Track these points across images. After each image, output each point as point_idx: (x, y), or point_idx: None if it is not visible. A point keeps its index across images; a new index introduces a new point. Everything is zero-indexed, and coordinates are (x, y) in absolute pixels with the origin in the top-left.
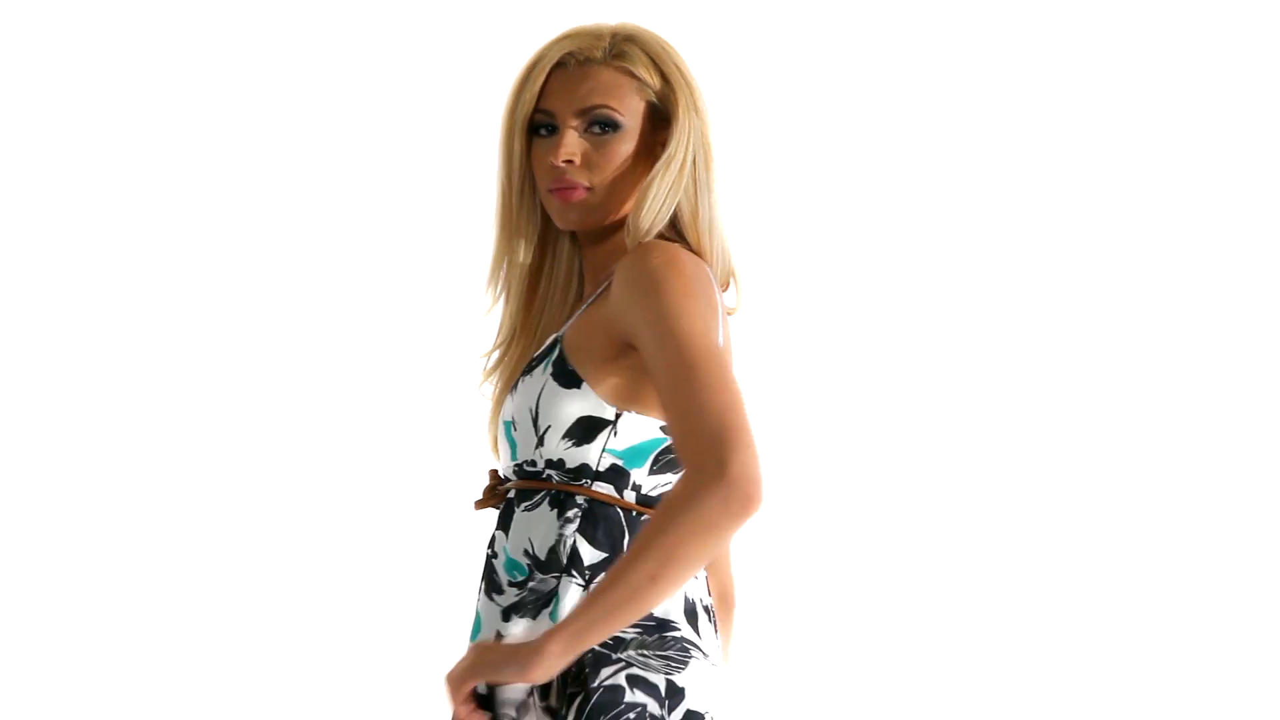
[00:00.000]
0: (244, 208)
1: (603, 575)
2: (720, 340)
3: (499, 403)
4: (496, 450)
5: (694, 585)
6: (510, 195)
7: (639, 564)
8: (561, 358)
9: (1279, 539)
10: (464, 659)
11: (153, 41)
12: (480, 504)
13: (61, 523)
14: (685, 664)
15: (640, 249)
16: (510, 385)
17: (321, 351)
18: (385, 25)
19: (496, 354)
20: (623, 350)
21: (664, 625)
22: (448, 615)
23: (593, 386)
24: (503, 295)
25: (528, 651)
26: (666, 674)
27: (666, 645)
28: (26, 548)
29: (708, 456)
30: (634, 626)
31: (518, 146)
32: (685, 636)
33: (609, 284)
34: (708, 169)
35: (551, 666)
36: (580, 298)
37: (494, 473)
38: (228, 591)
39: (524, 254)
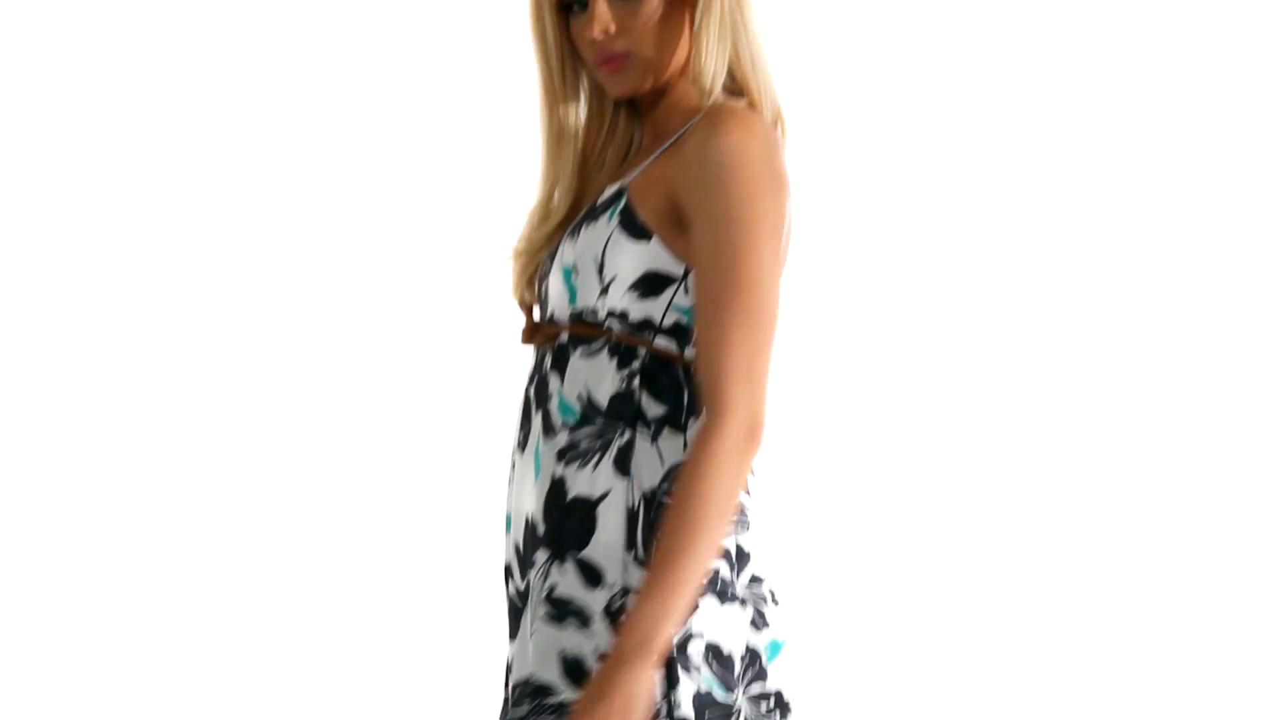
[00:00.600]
0: (245, 202)
1: (657, 546)
2: (784, 232)
3: (539, 246)
4: (528, 289)
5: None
6: (550, 70)
7: (686, 521)
8: (629, 209)
9: (1279, 539)
10: None
11: (153, 40)
12: (529, 339)
13: (94, 521)
14: (747, 526)
15: (717, 117)
16: (563, 231)
17: (323, 342)
18: (385, 19)
19: (540, 217)
20: (682, 217)
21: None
22: (454, 608)
23: (664, 241)
24: (545, 158)
25: (642, 656)
26: (736, 536)
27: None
28: (27, 548)
29: (727, 397)
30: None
31: (549, 24)
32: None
33: (677, 139)
34: (740, 7)
35: (664, 649)
36: (639, 154)
37: (529, 308)
38: (233, 590)
39: (573, 120)
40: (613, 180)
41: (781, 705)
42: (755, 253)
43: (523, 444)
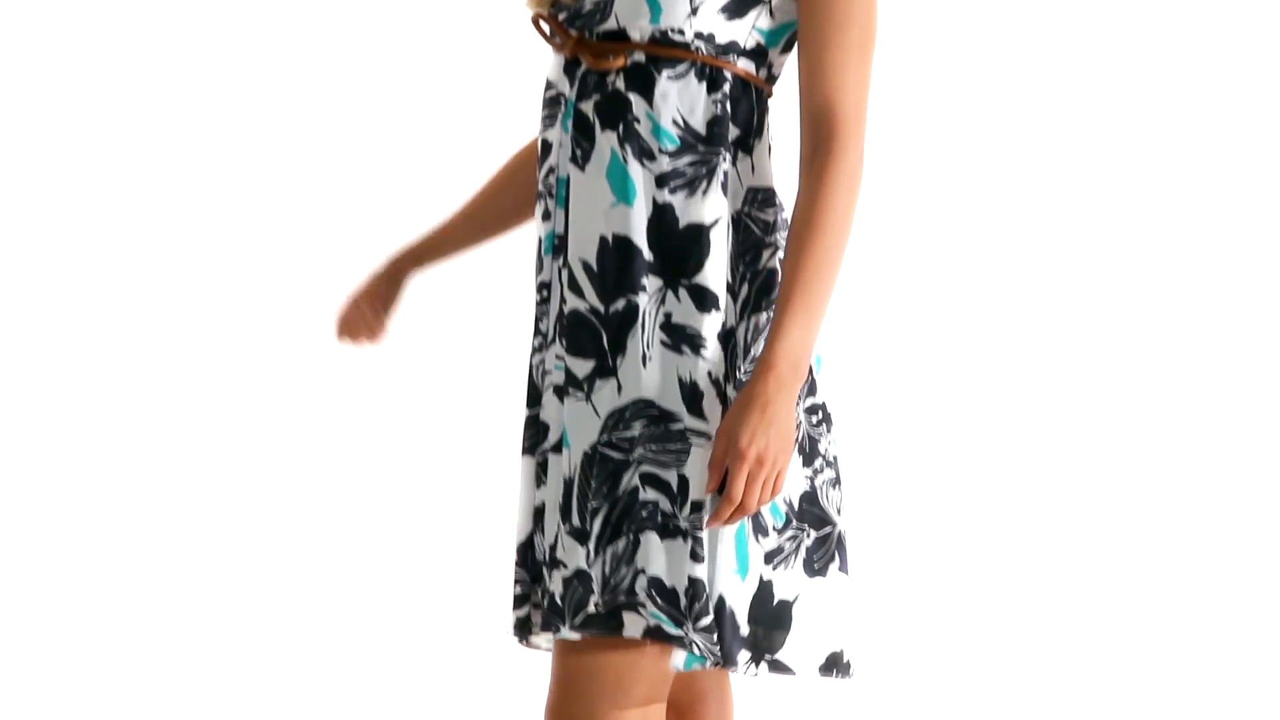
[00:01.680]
0: (244, 201)
1: (796, 272)
2: None
3: None
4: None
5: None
6: None
7: (823, 247)
8: None
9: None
10: (754, 433)
11: (149, 27)
12: (602, 62)
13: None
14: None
15: None
16: None
17: (320, 338)
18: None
19: None
20: None
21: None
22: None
23: None
24: None
25: (797, 378)
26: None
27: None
28: (27, 548)
29: (849, 126)
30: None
31: None
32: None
33: None
34: None
35: (806, 363)
36: None
37: (545, 20)
38: (233, 589)
39: None
40: None
41: (827, 417)
42: (873, 10)
43: (580, 161)
